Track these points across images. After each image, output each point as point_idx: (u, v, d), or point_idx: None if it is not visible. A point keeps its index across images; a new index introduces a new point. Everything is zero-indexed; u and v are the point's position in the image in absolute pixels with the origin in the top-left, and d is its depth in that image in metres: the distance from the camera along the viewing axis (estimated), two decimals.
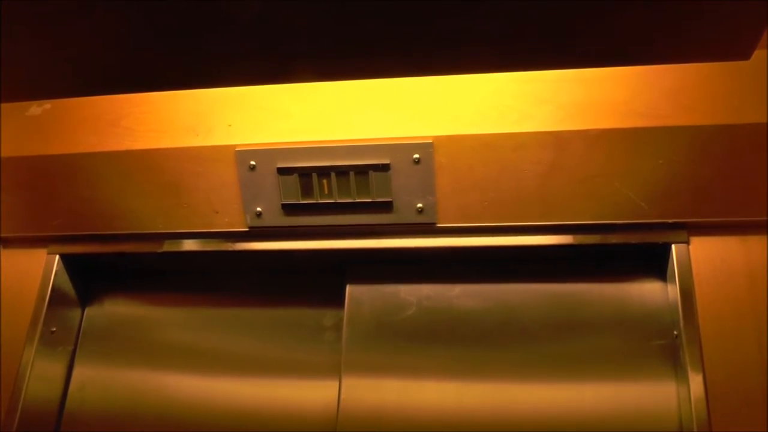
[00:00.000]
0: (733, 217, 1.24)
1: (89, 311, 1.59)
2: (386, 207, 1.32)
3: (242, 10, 0.92)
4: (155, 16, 0.95)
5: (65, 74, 1.15)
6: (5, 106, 1.49)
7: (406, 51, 1.01)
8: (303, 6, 0.90)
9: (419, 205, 1.31)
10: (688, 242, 1.27)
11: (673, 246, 1.27)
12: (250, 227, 1.38)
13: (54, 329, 1.49)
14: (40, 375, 1.44)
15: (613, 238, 1.28)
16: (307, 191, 1.33)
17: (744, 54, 0.98)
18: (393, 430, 1.32)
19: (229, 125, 1.34)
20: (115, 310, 1.59)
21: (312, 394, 1.42)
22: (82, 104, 1.44)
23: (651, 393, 1.27)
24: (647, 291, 1.34)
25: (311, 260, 1.46)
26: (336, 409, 1.34)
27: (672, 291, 1.28)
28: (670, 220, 1.25)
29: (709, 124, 1.19)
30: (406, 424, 1.32)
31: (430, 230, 1.34)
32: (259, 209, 1.36)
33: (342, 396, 1.35)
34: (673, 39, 0.96)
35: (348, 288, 1.44)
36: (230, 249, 1.42)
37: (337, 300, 1.45)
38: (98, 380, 1.52)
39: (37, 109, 1.47)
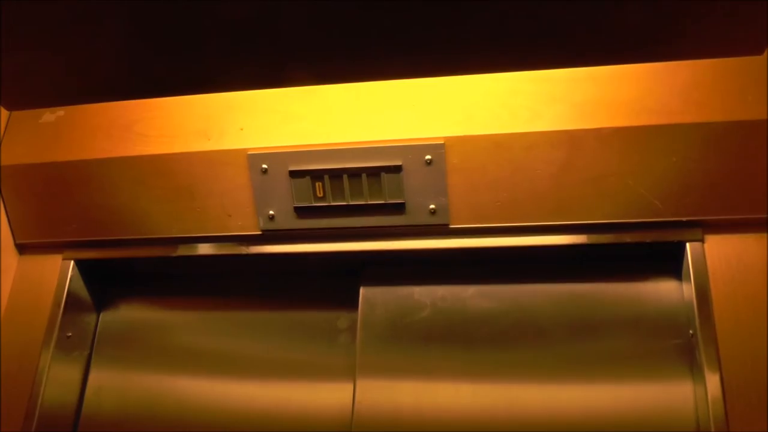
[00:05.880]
0: (749, 215, 1.23)
1: (104, 316, 1.60)
2: (399, 208, 1.32)
3: (248, 14, 0.93)
4: (157, 24, 0.96)
5: (71, 82, 1.16)
6: (18, 113, 1.51)
7: (411, 52, 1.02)
8: (309, 8, 0.91)
9: (432, 206, 1.31)
10: (703, 240, 1.26)
11: (687, 244, 1.26)
12: (263, 230, 1.38)
13: (70, 334, 1.50)
14: (57, 379, 1.45)
15: (627, 237, 1.27)
16: (319, 194, 1.33)
17: (757, 49, 0.97)
18: None
19: (241, 129, 1.35)
20: (130, 314, 1.60)
21: (327, 396, 1.41)
22: (95, 111, 1.45)
23: (667, 393, 1.26)
24: (662, 290, 1.33)
25: (324, 263, 1.47)
26: (351, 412, 1.34)
27: (687, 290, 1.27)
28: (684, 218, 1.24)
29: (723, 121, 1.18)
30: (422, 426, 1.31)
31: (443, 231, 1.33)
32: (271, 212, 1.36)
33: (357, 398, 1.34)
34: (685, 35, 0.95)
35: (362, 290, 1.44)
36: (243, 252, 1.42)
37: (351, 302, 1.45)
38: (114, 384, 1.53)
39: (50, 116, 1.48)
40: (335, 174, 1.31)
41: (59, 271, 1.51)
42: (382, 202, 1.32)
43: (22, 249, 1.54)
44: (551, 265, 1.39)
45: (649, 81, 1.22)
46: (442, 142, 1.27)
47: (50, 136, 1.46)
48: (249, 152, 1.34)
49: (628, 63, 1.19)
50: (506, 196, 1.28)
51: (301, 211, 1.35)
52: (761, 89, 1.17)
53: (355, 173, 1.31)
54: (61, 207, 1.47)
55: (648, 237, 1.27)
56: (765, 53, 1.07)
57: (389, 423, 1.32)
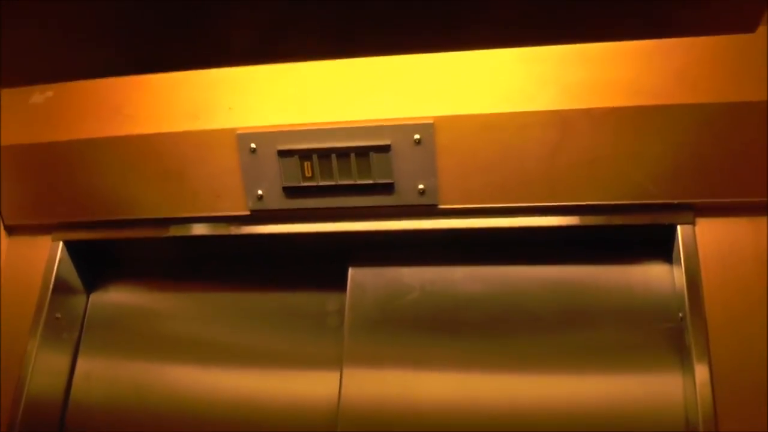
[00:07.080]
0: (741, 198, 1.22)
1: (94, 298, 1.59)
2: (387, 189, 1.31)
3: None
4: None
5: (63, 58, 1.15)
6: (8, 94, 1.49)
7: (400, 28, 1.00)
8: None
9: (421, 186, 1.29)
10: (694, 223, 1.24)
11: (678, 227, 1.25)
12: (251, 210, 1.38)
13: (58, 316, 1.49)
14: (45, 362, 1.45)
15: (618, 219, 1.27)
16: (307, 174, 1.32)
17: (749, 27, 0.96)
18: (396, 420, 1.31)
19: (230, 108, 1.34)
20: (119, 297, 1.59)
21: (315, 381, 1.41)
22: (84, 91, 1.44)
23: (656, 379, 1.25)
24: (653, 274, 1.32)
25: (313, 243, 1.46)
26: (338, 398, 1.33)
27: (678, 273, 1.26)
28: (675, 201, 1.23)
29: (716, 102, 1.17)
30: (409, 413, 1.31)
31: (432, 212, 1.32)
32: (260, 192, 1.36)
33: (343, 384, 1.34)
34: (676, 12, 0.94)
35: (350, 271, 1.43)
36: (233, 233, 1.41)
37: (340, 284, 1.44)
38: (102, 368, 1.52)
39: (39, 96, 1.47)
40: (324, 153, 1.30)
41: (48, 253, 1.51)
42: (371, 182, 1.31)
43: (10, 230, 1.54)
44: (541, 247, 1.38)
45: (642, 61, 1.21)
46: (432, 121, 1.25)
47: (39, 117, 1.45)
48: (238, 132, 1.33)
49: (619, 40, 1.18)
50: (497, 177, 1.27)
51: (290, 191, 1.35)
52: (757, 70, 1.16)
53: (343, 153, 1.30)
54: (49, 188, 1.47)
55: (639, 219, 1.26)
56: (760, 35, 1.06)
57: (377, 409, 1.32)
